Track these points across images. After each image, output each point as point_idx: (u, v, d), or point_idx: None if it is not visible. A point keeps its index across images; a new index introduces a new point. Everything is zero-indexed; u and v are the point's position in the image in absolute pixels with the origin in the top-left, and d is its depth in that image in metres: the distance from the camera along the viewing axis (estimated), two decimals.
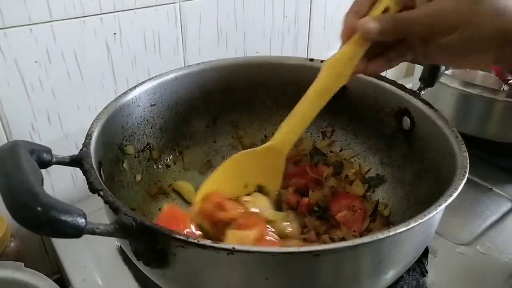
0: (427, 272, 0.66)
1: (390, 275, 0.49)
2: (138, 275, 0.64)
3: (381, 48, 0.55)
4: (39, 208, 0.34)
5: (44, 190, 0.36)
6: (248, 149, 0.65)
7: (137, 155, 0.68)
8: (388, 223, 0.68)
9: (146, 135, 0.69)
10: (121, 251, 0.69)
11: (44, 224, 0.34)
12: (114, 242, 0.71)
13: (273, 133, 0.81)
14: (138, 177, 0.68)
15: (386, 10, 0.52)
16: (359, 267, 0.44)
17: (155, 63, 0.87)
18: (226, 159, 0.63)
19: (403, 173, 0.70)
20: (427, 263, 0.66)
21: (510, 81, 0.50)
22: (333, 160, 0.77)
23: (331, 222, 0.68)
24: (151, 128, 0.69)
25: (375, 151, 0.76)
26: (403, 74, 1.45)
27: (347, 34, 0.54)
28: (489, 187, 0.86)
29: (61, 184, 0.84)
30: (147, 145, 0.70)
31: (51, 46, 0.73)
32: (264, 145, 0.62)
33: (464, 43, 0.47)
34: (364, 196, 0.73)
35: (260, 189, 0.64)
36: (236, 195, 0.61)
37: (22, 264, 0.63)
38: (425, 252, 0.67)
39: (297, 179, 0.73)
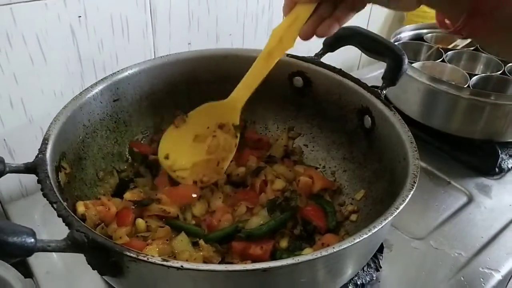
0: (381, 267, 0.69)
1: (342, 279, 0.52)
2: None
3: (327, 14, 0.59)
4: None
5: None
6: (212, 102, 0.73)
7: (99, 152, 0.68)
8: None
9: (110, 130, 0.69)
10: None
11: None
12: None
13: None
14: (101, 174, 0.68)
15: None
16: (309, 278, 0.46)
17: (123, 47, 0.85)
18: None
19: (363, 170, 0.72)
20: (382, 259, 0.69)
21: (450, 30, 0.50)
22: None
23: None
24: (115, 123, 0.68)
25: (338, 146, 0.77)
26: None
27: (288, 6, 0.61)
28: (448, 180, 0.89)
29: None
30: (111, 140, 0.70)
31: (11, 29, 0.70)
32: (222, 101, 0.72)
33: None
34: None
35: (221, 126, 0.74)
36: (200, 134, 0.74)
37: None
38: (380, 248, 0.70)
39: None
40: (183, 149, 0.73)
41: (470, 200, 0.84)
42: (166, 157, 0.72)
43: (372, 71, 1.28)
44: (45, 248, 0.38)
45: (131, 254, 0.39)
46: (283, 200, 0.69)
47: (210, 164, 0.73)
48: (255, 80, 0.68)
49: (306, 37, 0.60)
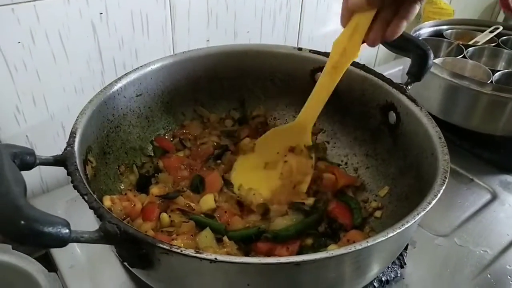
0: (405, 264, 0.68)
1: (370, 276, 0.51)
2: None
3: (391, 14, 0.57)
4: (22, 222, 0.34)
5: (27, 201, 0.36)
6: (279, 126, 0.73)
7: (122, 146, 0.68)
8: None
9: (132, 125, 0.69)
10: None
11: (28, 237, 0.35)
12: None
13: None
14: (122, 168, 0.68)
15: None
16: (339, 273, 0.46)
17: (142, 44, 0.85)
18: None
19: (387, 166, 0.71)
20: (406, 255, 0.68)
21: None
22: None
23: None
24: (138, 118, 0.68)
25: (361, 142, 0.76)
26: None
27: (346, 17, 0.59)
28: (470, 177, 0.87)
29: None
30: (133, 135, 0.70)
31: (34, 26, 0.71)
32: (290, 123, 0.71)
33: None
34: None
35: (291, 149, 0.72)
36: (270, 161, 0.73)
37: (10, 246, 0.64)
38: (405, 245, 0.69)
39: None
40: (257, 179, 0.71)
41: (494, 197, 0.83)
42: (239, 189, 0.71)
43: (389, 69, 1.27)
44: (79, 239, 0.38)
45: (164, 246, 0.39)
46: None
47: (285, 189, 0.70)
48: (323, 98, 0.66)
49: (374, 43, 0.58)
